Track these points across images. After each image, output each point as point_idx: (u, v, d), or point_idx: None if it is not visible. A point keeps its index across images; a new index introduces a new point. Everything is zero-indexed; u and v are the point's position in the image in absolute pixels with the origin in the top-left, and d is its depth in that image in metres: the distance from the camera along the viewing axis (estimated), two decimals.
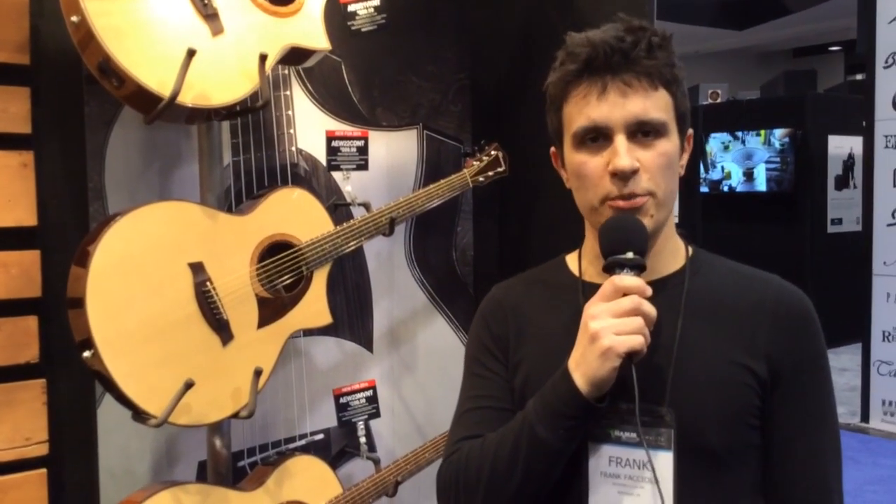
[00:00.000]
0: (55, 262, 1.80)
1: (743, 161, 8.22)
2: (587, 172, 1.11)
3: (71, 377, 1.86)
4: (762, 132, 8.02)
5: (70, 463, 1.94)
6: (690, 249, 1.23)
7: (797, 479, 1.11)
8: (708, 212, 8.56)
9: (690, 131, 1.19)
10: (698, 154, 8.46)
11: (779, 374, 1.12)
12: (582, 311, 1.11)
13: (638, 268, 1.06)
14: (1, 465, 1.82)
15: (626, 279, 1.05)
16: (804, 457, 1.11)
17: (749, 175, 8.17)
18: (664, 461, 1.06)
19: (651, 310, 1.04)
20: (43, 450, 1.88)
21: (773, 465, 1.12)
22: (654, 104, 1.09)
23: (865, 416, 5.55)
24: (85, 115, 1.94)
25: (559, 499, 1.13)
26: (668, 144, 1.10)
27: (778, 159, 7.94)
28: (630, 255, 1.05)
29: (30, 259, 1.85)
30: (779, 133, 7.91)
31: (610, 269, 1.07)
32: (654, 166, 1.09)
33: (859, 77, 9.35)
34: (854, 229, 6.15)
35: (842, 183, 8.03)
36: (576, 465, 1.10)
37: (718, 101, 9.96)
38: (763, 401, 1.11)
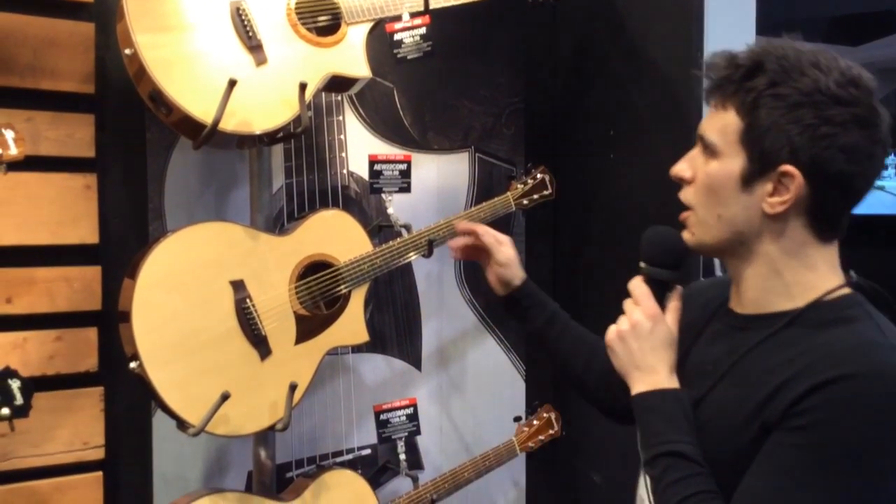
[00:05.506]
0: (115, 277, 1.92)
1: None
2: None
3: (128, 386, 1.98)
4: None
5: (125, 467, 2.06)
6: (840, 295, 1.08)
7: None
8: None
9: (793, 173, 1.04)
10: None
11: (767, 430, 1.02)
12: None
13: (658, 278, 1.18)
14: (60, 466, 1.96)
15: (633, 284, 1.19)
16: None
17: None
18: None
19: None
20: (100, 454, 2.01)
21: None
22: (715, 123, 1.11)
23: None
24: (147, 140, 2.07)
25: None
26: (717, 167, 1.10)
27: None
28: (642, 264, 1.19)
29: (91, 274, 1.99)
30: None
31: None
32: (698, 182, 1.14)
33: None
34: None
35: None
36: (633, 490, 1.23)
37: None
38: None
